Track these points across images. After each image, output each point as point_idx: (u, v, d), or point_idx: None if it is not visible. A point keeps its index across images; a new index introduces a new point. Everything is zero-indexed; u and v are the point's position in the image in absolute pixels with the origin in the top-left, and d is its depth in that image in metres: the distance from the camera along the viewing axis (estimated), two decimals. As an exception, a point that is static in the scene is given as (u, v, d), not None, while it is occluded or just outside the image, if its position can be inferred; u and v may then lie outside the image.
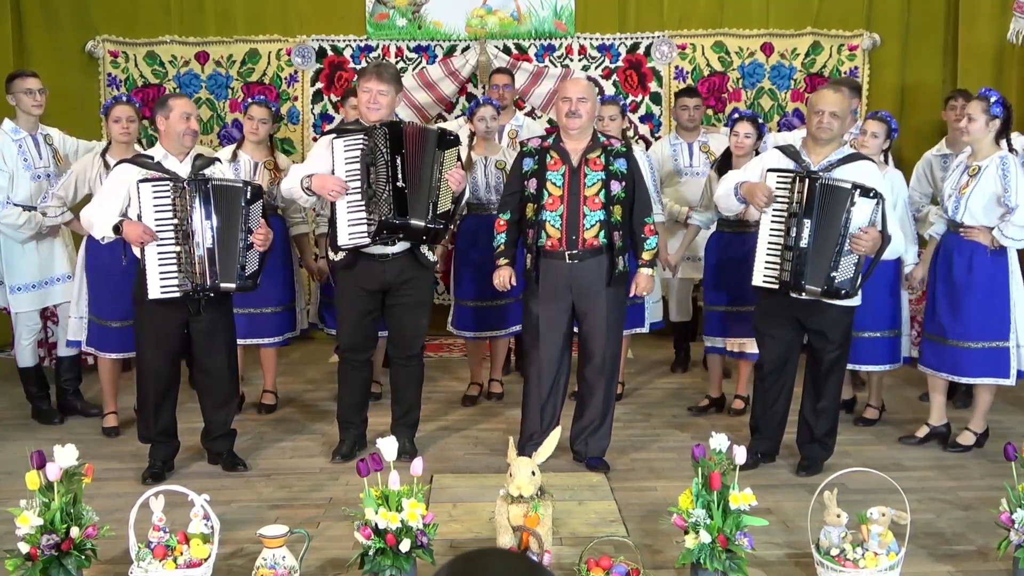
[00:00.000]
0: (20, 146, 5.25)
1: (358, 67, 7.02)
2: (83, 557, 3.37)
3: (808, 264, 4.28)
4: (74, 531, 3.34)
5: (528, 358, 4.72)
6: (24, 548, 3.30)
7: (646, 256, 4.59)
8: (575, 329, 4.70)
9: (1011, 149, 4.78)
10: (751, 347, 5.32)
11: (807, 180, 4.29)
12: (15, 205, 5.19)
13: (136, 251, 4.36)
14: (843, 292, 4.29)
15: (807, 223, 4.27)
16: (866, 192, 4.22)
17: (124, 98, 5.25)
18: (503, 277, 4.65)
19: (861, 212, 4.23)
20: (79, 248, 5.27)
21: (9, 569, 3.31)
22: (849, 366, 4.98)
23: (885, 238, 4.26)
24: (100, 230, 4.36)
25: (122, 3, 7.15)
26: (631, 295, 4.68)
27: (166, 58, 7.17)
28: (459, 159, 4.65)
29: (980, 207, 4.71)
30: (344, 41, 7.24)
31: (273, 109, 5.70)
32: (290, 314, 5.67)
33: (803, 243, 4.28)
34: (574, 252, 4.47)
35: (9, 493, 4.06)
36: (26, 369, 5.47)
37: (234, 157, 5.37)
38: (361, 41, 7.25)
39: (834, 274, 4.26)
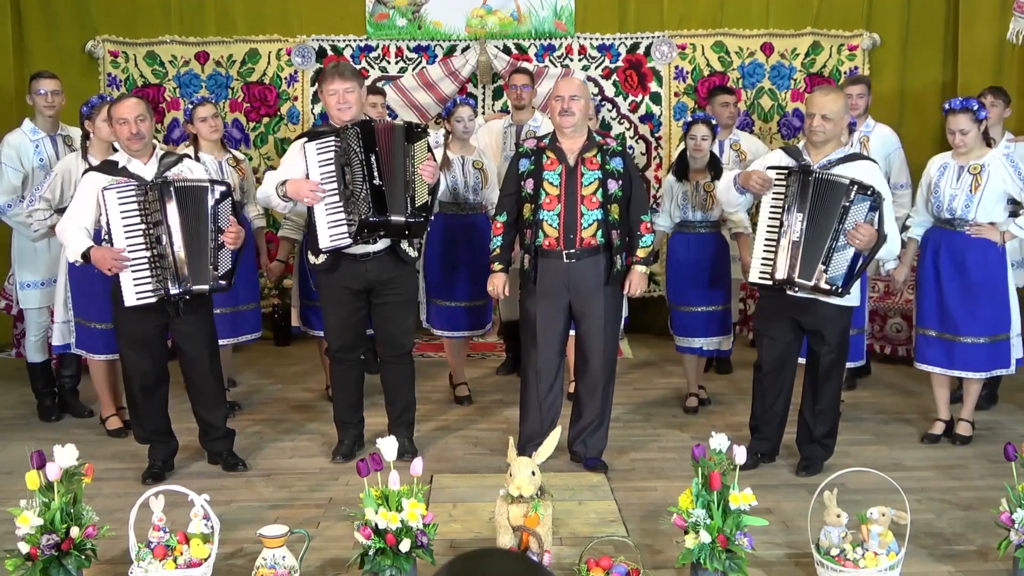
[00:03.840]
0: (37, 146, 5.27)
1: (358, 67, 7.01)
2: (83, 557, 3.37)
3: (799, 258, 4.29)
4: (74, 531, 3.34)
5: (526, 359, 4.71)
6: (24, 548, 3.30)
7: (641, 254, 4.57)
8: (571, 330, 4.69)
9: (989, 143, 4.90)
10: (720, 344, 5.51)
11: (801, 174, 4.32)
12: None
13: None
14: (834, 288, 4.29)
15: (799, 216, 4.30)
16: (864, 189, 4.23)
17: (109, 98, 5.16)
18: (496, 285, 4.62)
19: (858, 209, 4.24)
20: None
21: (9, 569, 3.31)
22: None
23: (881, 236, 4.26)
24: (71, 254, 4.35)
25: (122, 3, 7.15)
26: (625, 293, 4.65)
27: (166, 58, 7.17)
28: (430, 150, 4.63)
29: (993, 204, 4.79)
30: (344, 41, 7.24)
31: (216, 103, 5.65)
32: (259, 311, 5.72)
33: (795, 236, 4.30)
34: (572, 251, 4.46)
35: (9, 493, 4.06)
36: (34, 365, 5.48)
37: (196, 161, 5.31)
38: (361, 41, 7.25)
39: (825, 268, 4.26)
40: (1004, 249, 4.89)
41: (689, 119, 5.44)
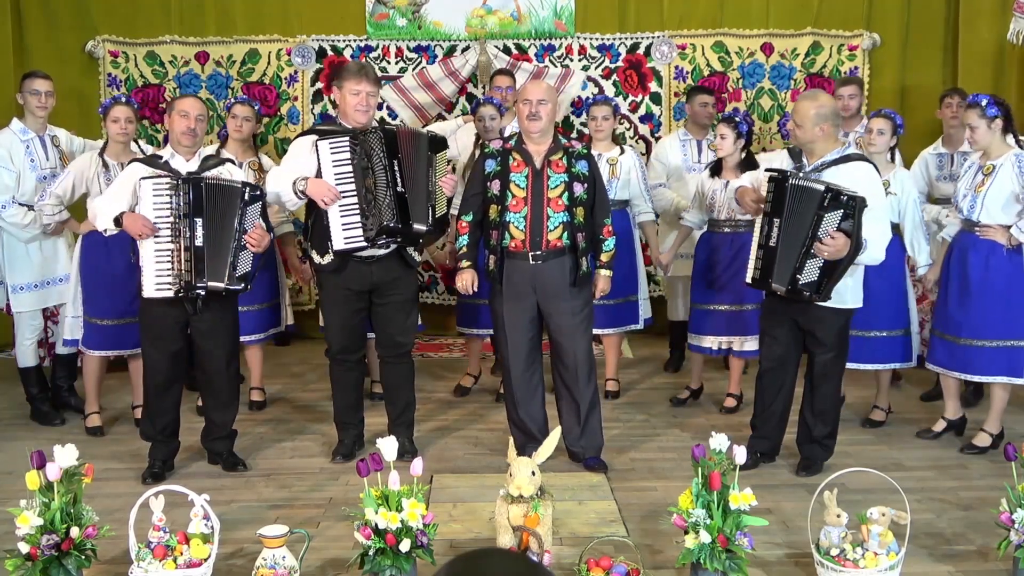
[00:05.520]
0: (28, 147, 5.26)
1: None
2: (83, 557, 3.37)
3: (775, 263, 4.31)
4: (74, 531, 3.34)
5: (501, 361, 4.74)
6: (24, 548, 3.30)
7: (604, 258, 4.60)
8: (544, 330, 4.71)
9: (1020, 144, 4.81)
10: (740, 345, 5.48)
11: (780, 180, 4.32)
12: (20, 205, 5.20)
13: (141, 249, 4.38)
14: (807, 294, 4.28)
15: (776, 222, 4.32)
16: (838, 196, 4.17)
17: (123, 98, 5.27)
18: (466, 280, 4.61)
19: (831, 217, 4.19)
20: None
21: (9, 569, 3.31)
22: (860, 366, 5.11)
23: (856, 244, 4.19)
24: (103, 222, 4.41)
25: (122, 3, 7.14)
26: (595, 297, 4.65)
27: (166, 58, 7.17)
28: (449, 162, 4.63)
29: (997, 205, 4.70)
30: (344, 41, 7.24)
31: (256, 109, 5.69)
32: (274, 311, 5.71)
33: (772, 242, 4.33)
34: (538, 253, 4.47)
35: (9, 493, 4.06)
36: (27, 369, 5.47)
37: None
38: (361, 41, 7.24)
39: (798, 276, 4.26)
40: (1017, 252, 4.71)
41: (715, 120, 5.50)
